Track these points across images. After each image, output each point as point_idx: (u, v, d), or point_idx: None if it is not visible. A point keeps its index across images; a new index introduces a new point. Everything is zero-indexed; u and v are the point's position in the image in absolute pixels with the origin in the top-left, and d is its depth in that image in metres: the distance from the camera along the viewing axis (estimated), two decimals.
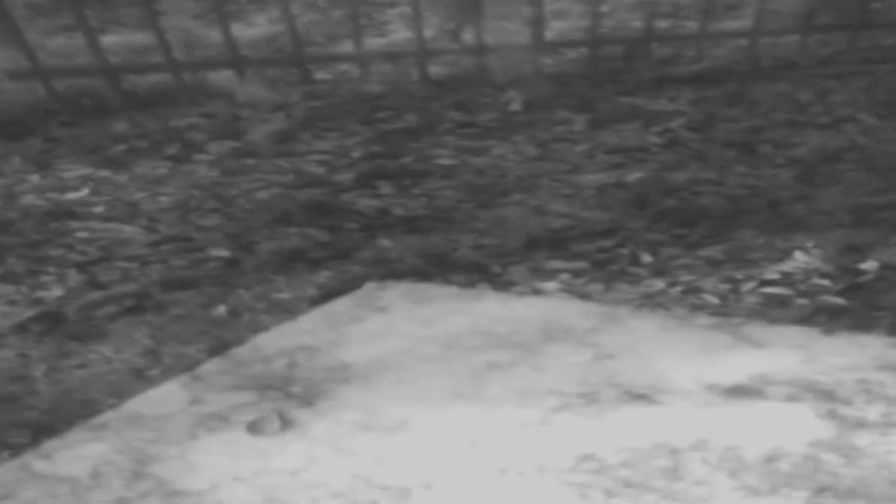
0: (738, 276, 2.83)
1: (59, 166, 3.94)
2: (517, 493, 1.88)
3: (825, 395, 2.15)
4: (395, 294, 2.72)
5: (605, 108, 4.37)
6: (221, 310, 2.75)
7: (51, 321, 2.73)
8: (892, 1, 5.46)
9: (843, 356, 2.30)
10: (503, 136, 4.09)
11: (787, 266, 2.87)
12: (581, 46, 5.18)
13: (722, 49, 5.15)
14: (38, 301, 2.86)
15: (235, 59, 4.85)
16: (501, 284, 2.83)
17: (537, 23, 5.05)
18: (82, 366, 2.51)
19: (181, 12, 5.80)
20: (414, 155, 3.91)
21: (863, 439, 1.99)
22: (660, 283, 2.80)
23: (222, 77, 4.82)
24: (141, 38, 5.37)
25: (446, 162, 3.83)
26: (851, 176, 3.53)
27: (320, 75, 4.97)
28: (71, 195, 3.65)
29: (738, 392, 2.17)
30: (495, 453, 1.99)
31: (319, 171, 3.81)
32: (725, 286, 2.77)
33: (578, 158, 3.83)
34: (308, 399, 2.22)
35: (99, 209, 3.51)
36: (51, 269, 3.06)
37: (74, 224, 3.38)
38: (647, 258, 2.96)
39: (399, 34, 5.63)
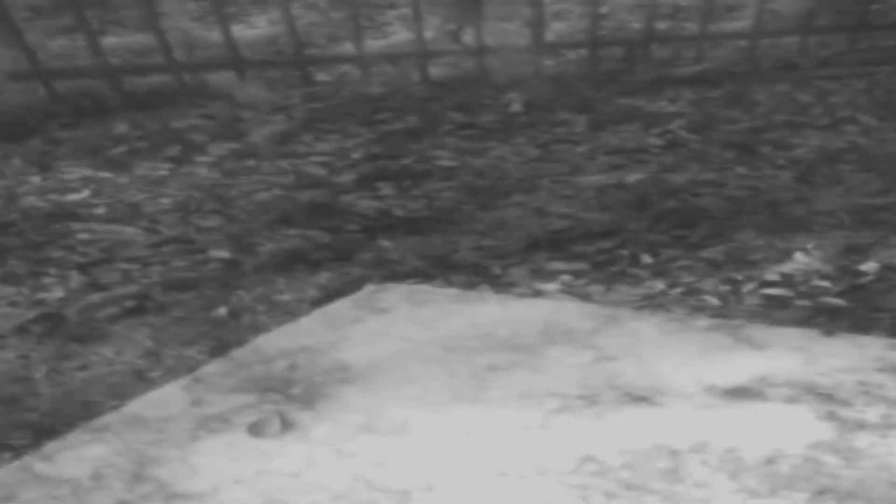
0: (739, 277, 2.83)
1: (60, 168, 3.94)
2: (517, 494, 1.88)
3: (825, 396, 2.15)
4: (396, 295, 2.72)
5: (606, 109, 4.38)
6: (222, 311, 2.76)
7: (52, 323, 2.74)
8: (891, 2, 5.47)
9: (843, 358, 2.30)
10: (503, 138, 4.09)
11: (787, 267, 2.87)
12: (581, 48, 5.18)
13: (722, 50, 5.16)
14: (40, 302, 2.87)
15: (236, 60, 4.86)
16: (502, 286, 2.83)
17: (537, 24, 5.06)
18: (83, 367, 2.51)
19: (182, 13, 5.81)
20: (414, 156, 3.91)
21: (863, 441, 1.99)
22: (660, 285, 2.81)
23: (223, 78, 4.82)
24: (141, 39, 5.38)
25: (447, 163, 3.83)
26: (851, 177, 3.54)
27: (321, 77, 4.98)
28: (72, 196, 3.65)
29: (739, 394, 2.17)
30: (495, 455, 2.00)
31: (320, 172, 3.81)
32: (726, 287, 2.78)
33: (579, 160, 3.83)
34: (308, 401, 2.22)
35: (100, 210, 3.52)
36: (52, 270, 3.06)
37: (75, 225, 3.38)
38: (647, 259, 2.96)
39: (399, 35, 5.64)
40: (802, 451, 1.96)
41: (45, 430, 2.20)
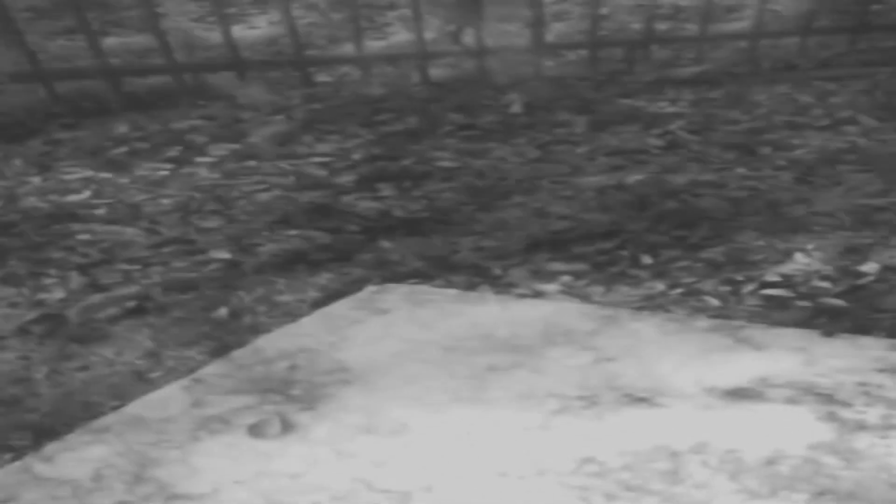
0: (739, 277, 2.83)
1: (61, 168, 3.94)
2: (517, 495, 1.88)
3: (825, 397, 2.15)
4: (396, 296, 2.72)
5: (606, 110, 4.38)
6: (222, 312, 2.76)
7: (52, 323, 2.74)
8: (891, 3, 5.47)
9: (843, 358, 2.30)
10: (504, 139, 4.09)
11: (787, 268, 2.87)
12: (581, 48, 5.18)
13: (722, 51, 5.16)
14: (40, 303, 2.87)
15: (236, 61, 4.86)
16: (502, 286, 2.83)
17: (537, 25, 5.06)
18: (84, 368, 2.51)
19: (182, 14, 5.81)
20: (414, 157, 3.91)
21: (863, 442, 1.99)
22: (660, 285, 2.81)
23: (223, 79, 4.82)
24: (142, 40, 5.38)
25: (447, 164, 3.83)
26: (852, 178, 3.54)
27: (321, 77, 4.98)
28: (72, 197, 3.65)
29: (739, 395, 2.17)
30: (495, 456, 2.00)
31: (320, 173, 3.81)
32: (726, 288, 2.78)
33: (579, 160, 3.83)
34: (309, 402, 2.22)
35: (100, 211, 3.52)
36: (52, 271, 3.06)
37: (76, 226, 3.38)
38: (647, 260, 2.96)
39: (399, 36, 5.64)
40: (802, 452, 1.96)
41: (46, 430, 2.20)
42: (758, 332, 2.45)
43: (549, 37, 5.22)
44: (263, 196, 3.60)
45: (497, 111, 4.42)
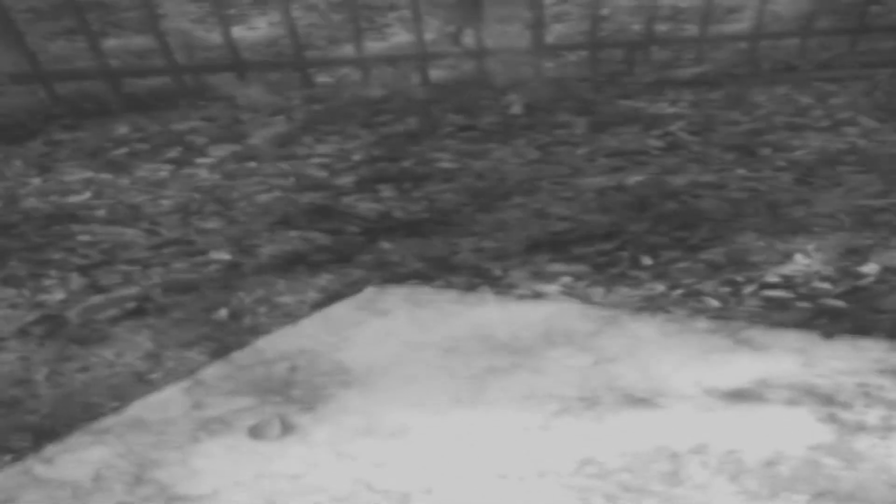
0: (739, 278, 2.83)
1: (61, 169, 3.94)
2: (517, 497, 1.88)
3: (825, 398, 2.15)
4: (396, 298, 2.72)
5: (606, 111, 4.38)
6: (223, 313, 2.76)
7: (52, 324, 2.74)
8: (891, 5, 5.47)
9: (843, 360, 2.30)
10: (504, 140, 4.09)
11: (787, 269, 2.87)
12: (581, 50, 5.18)
13: (722, 52, 5.16)
14: (40, 304, 2.87)
15: (236, 62, 4.86)
16: (502, 287, 2.84)
17: (537, 26, 5.06)
18: (84, 369, 2.51)
19: (182, 15, 5.81)
20: (415, 158, 3.91)
21: (863, 443, 1.99)
22: (660, 287, 2.81)
23: (223, 80, 4.82)
24: (142, 41, 5.38)
25: (447, 165, 3.83)
26: (851, 179, 3.54)
27: (321, 79, 4.98)
28: (72, 198, 3.66)
29: (738, 396, 2.17)
30: (496, 457, 2.00)
31: (320, 174, 3.81)
32: (726, 289, 2.78)
33: (579, 161, 3.83)
34: (309, 403, 2.22)
35: (100, 212, 3.52)
36: (52, 272, 3.06)
37: (76, 227, 3.39)
38: (647, 261, 2.96)
39: (399, 38, 5.64)
40: (802, 454, 1.96)
41: (46, 432, 2.21)
42: (758, 333, 2.45)
43: (549, 38, 5.22)
44: (263, 197, 3.60)
45: (497, 112, 4.42)
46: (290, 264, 3.03)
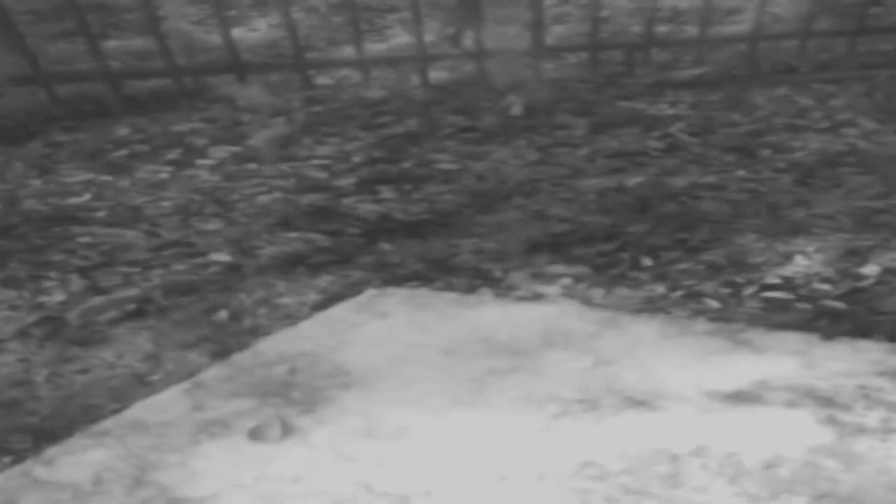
0: (739, 280, 2.83)
1: (61, 171, 3.95)
2: (517, 499, 1.88)
3: (825, 400, 2.15)
4: (396, 300, 2.72)
5: (606, 112, 4.38)
6: (223, 315, 2.76)
7: (53, 326, 2.74)
8: (890, 6, 5.47)
9: (842, 361, 2.30)
10: (504, 141, 4.09)
11: (787, 270, 2.87)
12: (581, 51, 5.19)
13: (722, 53, 5.16)
14: (40, 306, 2.87)
15: (236, 63, 4.86)
16: (502, 289, 2.84)
17: (537, 27, 5.06)
18: (84, 371, 2.51)
19: (182, 17, 5.81)
20: (415, 160, 3.91)
21: (862, 445, 1.99)
22: (660, 288, 2.81)
23: (223, 82, 4.82)
24: (142, 42, 5.38)
25: (447, 167, 3.84)
26: (851, 180, 3.54)
27: (321, 80, 4.98)
28: (73, 200, 3.66)
29: (738, 398, 2.18)
30: (495, 459, 2.00)
31: (320, 175, 3.81)
32: (726, 290, 2.78)
33: (579, 163, 3.83)
34: (309, 405, 2.22)
35: (100, 214, 3.52)
36: (53, 274, 3.07)
37: (76, 229, 3.39)
38: (647, 263, 2.96)
39: (399, 39, 5.64)
40: (802, 456, 1.97)
41: (46, 434, 2.21)
42: (757, 334, 2.45)
43: (549, 39, 5.23)
44: (264, 198, 3.60)
45: (497, 114, 4.42)
46: (291, 266, 3.03)
